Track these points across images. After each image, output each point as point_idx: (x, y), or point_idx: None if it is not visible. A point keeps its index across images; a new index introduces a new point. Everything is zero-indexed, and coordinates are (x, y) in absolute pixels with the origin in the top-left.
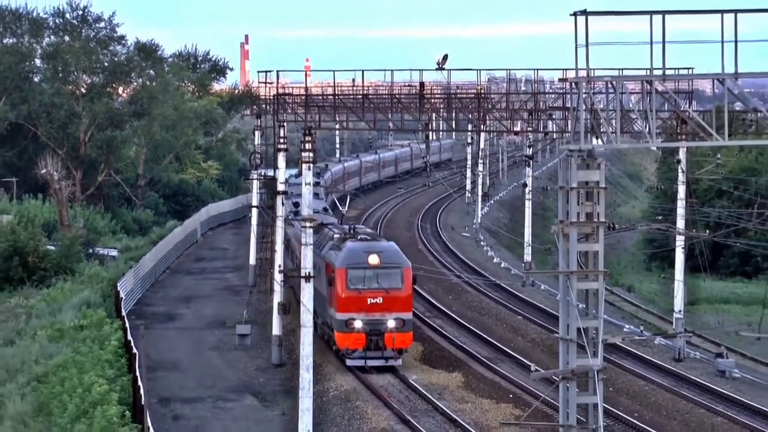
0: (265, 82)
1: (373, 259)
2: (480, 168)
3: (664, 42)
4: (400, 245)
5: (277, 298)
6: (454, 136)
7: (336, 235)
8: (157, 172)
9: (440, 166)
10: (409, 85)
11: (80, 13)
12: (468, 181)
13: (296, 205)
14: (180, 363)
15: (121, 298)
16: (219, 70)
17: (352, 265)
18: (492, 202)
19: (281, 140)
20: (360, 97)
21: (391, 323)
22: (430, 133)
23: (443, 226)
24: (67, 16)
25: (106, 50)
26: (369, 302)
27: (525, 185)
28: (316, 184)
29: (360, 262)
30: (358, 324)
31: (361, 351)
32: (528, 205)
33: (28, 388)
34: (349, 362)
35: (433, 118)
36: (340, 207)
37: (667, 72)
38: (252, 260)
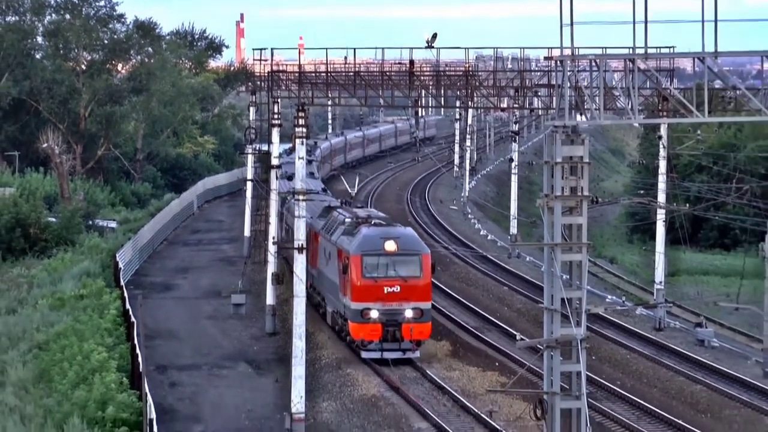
0: (260, 60)
1: (390, 246)
2: (468, 143)
3: (646, 22)
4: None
5: (270, 268)
6: (442, 113)
7: (348, 220)
8: (155, 147)
9: (425, 143)
10: (399, 63)
11: None
12: (456, 156)
13: (290, 178)
14: (177, 331)
15: (120, 268)
16: (215, 47)
17: (368, 252)
18: (479, 176)
19: (275, 116)
20: (352, 74)
21: (408, 313)
22: (420, 109)
23: (432, 199)
24: None
25: (106, 28)
26: (386, 291)
27: (511, 160)
28: (309, 162)
29: (376, 248)
30: (374, 314)
31: (377, 342)
32: (514, 179)
33: (29, 356)
34: (364, 354)
35: (423, 95)
36: (349, 189)
37: (649, 51)
38: (247, 232)
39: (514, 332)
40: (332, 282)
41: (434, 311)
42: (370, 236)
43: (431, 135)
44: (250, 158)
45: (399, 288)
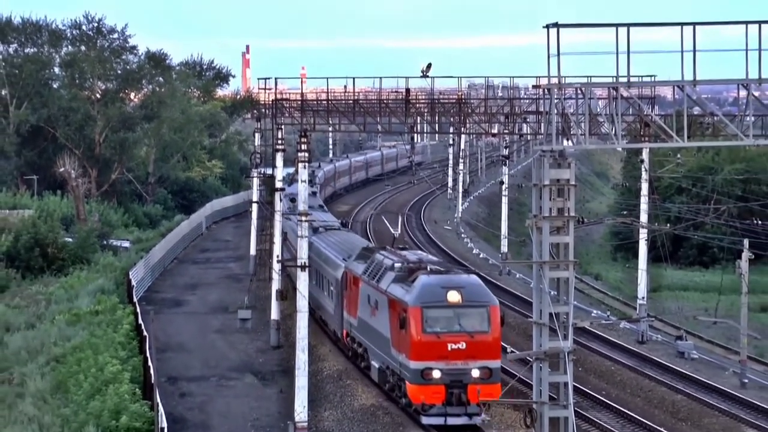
0: (265, 89)
1: (454, 297)
2: (460, 167)
3: (629, 52)
4: (386, 239)
5: (275, 285)
6: (437, 138)
7: (398, 264)
8: (166, 170)
9: (397, 172)
10: (396, 91)
11: (95, 25)
12: (450, 179)
13: (292, 200)
14: (186, 345)
15: (133, 285)
16: (222, 77)
17: (429, 304)
18: (471, 198)
19: (279, 141)
20: (351, 102)
21: (475, 373)
22: (415, 135)
23: (427, 219)
24: (84, 27)
25: (119, 59)
26: (449, 348)
27: (502, 183)
28: (311, 182)
29: (438, 299)
30: (436, 374)
31: (440, 406)
32: (504, 200)
33: (47, 368)
34: (425, 420)
35: (418, 122)
36: (392, 229)
37: (632, 79)
38: (252, 251)
39: (505, 345)
40: (380, 335)
41: None
42: (430, 285)
43: (419, 161)
44: (256, 181)
45: (464, 344)
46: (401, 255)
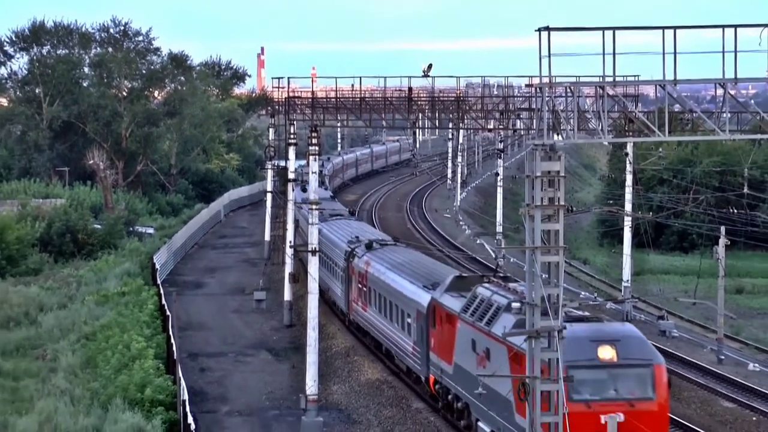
0: (278, 87)
1: (607, 353)
2: (459, 159)
3: (614, 53)
4: (391, 225)
5: (288, 269)
6: (437, 133)
7: (516, 304)
8: (187, 163)
9: (393, 168)
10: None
11: (122, 28)
12: (449, 171)
13: (303, 190)
14: (206, 324)
15: (157, 268)
16: (239, 76)
17: (575, 362)
18: (469, 188)
19: (291, 136)
20: (358, 99)
21: None
22: (417, 130)
23: (428, 208)
24: (111, 30)
25: (144, 60)
26: (602, 421)
27: (497, 174)
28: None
29: (586, 357)
30: None
31: None
32: (499, 191)
33: (78, 345)
34: None
35: (420, 118)
36: (495, 256)
37: (617, 79)
38: (267, 237)
39: None
40: (496, 395)
41: None
42: (573, 337)
43: (407, 158)
44: (270, 173)
45: (622, 416)
46: (513, 290)
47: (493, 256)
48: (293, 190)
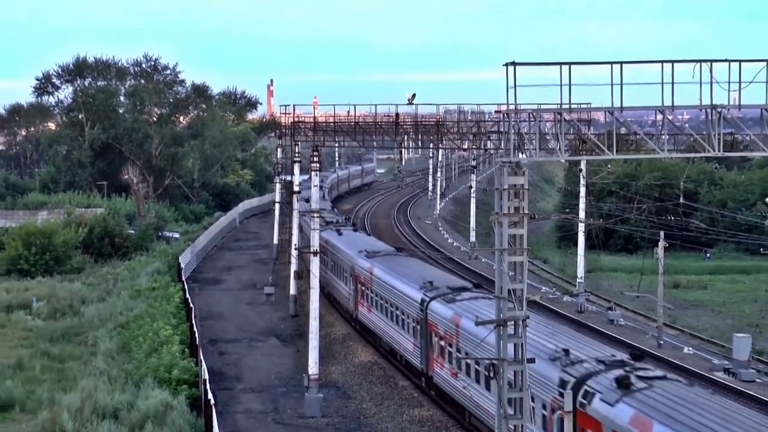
0: (285, 113)
1: None
2: (438, 174)
3: (570, 85)
4: (381, 231)
5: (293, 267)
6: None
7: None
8: (208, 177)
9: (363, 188)
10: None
11: (152, 63)
12: (430, 184)
13: (307, 201)
14: (224, 314)
15: (182, 267)
16: (252, 104)
17: None
18: (447, 199)
19: (296, 155)
20: (353, 123)
21: None
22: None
23: (412, 216)
24: (143, 65)
25: (171, 90)
26: None
27: (471, 187)
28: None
29: None
30: None
31: None
32: (473, 201)
33: (114, 332)
34: None
35: (405, 139)
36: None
37: (572, 106)
38: (275, 240)
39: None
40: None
41: None
42: None
43: (369, 181)
44: (278, 186)
45: None
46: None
47: (468, 257)
48: (297, 200)
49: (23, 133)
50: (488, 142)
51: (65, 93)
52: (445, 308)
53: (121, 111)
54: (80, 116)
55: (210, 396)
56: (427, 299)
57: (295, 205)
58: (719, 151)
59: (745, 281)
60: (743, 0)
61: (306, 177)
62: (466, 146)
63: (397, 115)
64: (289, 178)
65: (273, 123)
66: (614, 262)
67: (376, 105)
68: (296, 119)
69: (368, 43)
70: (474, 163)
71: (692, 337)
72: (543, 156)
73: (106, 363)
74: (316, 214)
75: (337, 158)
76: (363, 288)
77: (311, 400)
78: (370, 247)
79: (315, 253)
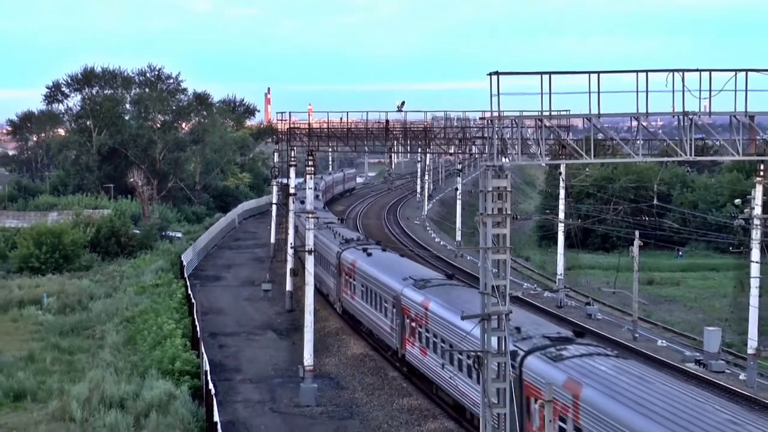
0: (281, 120)
1: None
2: (426, 177)
3: (550, 93)
4: (372, 230)
5: (289, 265)
6: (408, 157)
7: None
8: (208, 180)
9: (344, 195)
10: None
11: (156, 72)
12: (418, 187)
13: (302, 202)
14: (223, 309)
15: (184, 265)
16: (250, 111)
17: None
18: (435, 200)
19: (292, 159)
20: (346, 129)
21: None
22: (393, 154)
23: (401, 216)
24: (148, 74)
25: (174, 98)
26: None
27: (456, 189)
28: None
29: None
30: None
31: None
32: (459, 203)
33: (120, 326)
34: None
35: (395, 144)
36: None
37: (552, 113)
38: (272, 240)
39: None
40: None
41: None
42: None
43: (351, 187)
44: (275, 188)
45: None
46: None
47: (454, 255)
48: (293, 202)
49: (34, 139)
50: (473, 146)
51: (74, 101)
52: (551, 368)
53: (126, 118)
54: (88, 123)
55: (211, 386)
56: (522, 353)
57: (291, 206)
58: (691, 155)
59: (715, 278)
60: (715, 19)
61: (301, 180)
62: (452, 151)
63: (387, 121)
64: (285, 180)
65: (270, 129)
66: (592, 260)
67: (367, 112)
68: (292, 125)
69: (360, 55)
70: (460, 166)
71: (665, 330)
72: (525, 160)
73: (113, 355)
74: (310, 215)
75: (330, 162)
76: (413, 324)
77: (306, 390)
78: (415, 273)
79: (309, 252)
